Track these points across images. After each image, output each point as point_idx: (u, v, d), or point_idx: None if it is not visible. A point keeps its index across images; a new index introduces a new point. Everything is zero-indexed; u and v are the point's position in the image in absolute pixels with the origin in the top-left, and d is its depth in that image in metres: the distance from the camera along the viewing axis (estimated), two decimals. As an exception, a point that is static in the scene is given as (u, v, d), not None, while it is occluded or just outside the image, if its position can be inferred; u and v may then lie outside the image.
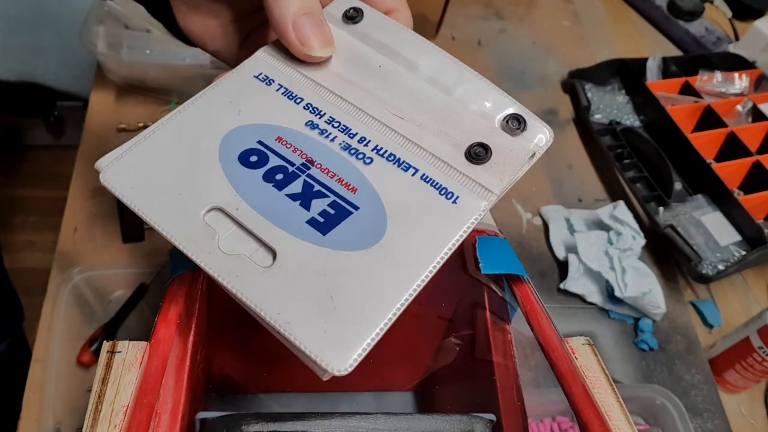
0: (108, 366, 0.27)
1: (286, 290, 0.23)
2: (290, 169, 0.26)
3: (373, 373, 0.45)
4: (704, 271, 0.61)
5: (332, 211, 0.25)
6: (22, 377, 0.50)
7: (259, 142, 0.26)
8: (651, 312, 0.60)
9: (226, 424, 0.29)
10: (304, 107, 0.28)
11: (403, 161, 0.26)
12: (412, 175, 0.26)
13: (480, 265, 0.34)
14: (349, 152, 0.26)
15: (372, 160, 0.26)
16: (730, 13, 0.96)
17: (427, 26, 0.81)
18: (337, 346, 0.21)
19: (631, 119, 0.77)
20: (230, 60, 0.34)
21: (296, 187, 0.25)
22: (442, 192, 0.26)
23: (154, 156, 0.26)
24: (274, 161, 0.26)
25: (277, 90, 0.28)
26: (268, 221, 0.24)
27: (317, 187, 0.25)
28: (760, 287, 0.68)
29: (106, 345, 0.28)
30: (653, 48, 0.91)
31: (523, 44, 0.88)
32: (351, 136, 0.27)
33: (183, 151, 0.26)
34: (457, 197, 0.25)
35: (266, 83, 0.28)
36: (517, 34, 0.89)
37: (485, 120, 0.27)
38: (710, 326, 0.63)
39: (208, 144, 0.26)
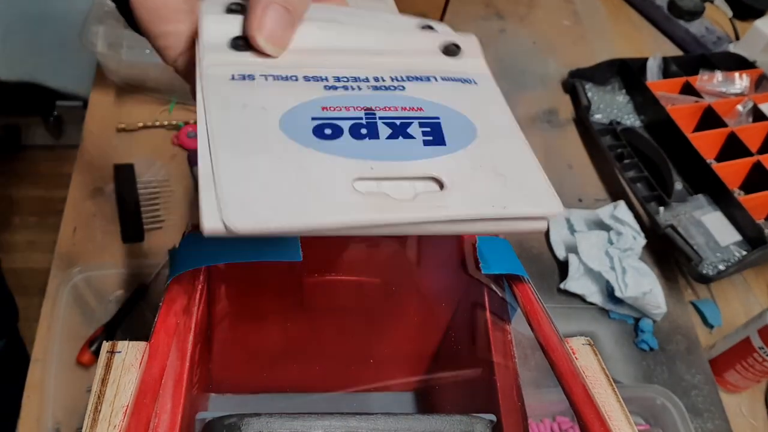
0: (108, 366, 0.27)
1: (478, 191, 0.25)
2: (364, 121, 0.26)
3: (373, 373, 0.44)
4: (705, 271, 0.61)
5: (428, 129, 0.26)
6: (19, 376, 0.50)
7: (314, 119, 0.26)
8: (651, 312, 0.60)
9: (226, 424, 0.29)
10: (305, 80, 0.28)
11: (419, 77, 0.29)
12: (436, 80, 0.29)
13: (480, 265, 0.34)
14: (381, 89, 0.28)
15: (402, 87, 0.28)
16: (730, 13, 0.96)
17: (428, 26, 0.81)
18: (546, 197, 0.25)
19: (631, 119, 0.77)
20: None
21: (384, 130, 0.26)
22: (464, 81, 0.29)
23: (247, 178, 0.24)
24: (345, 124, 0.26)
25: (266, 80, 0.28)
26: (405, 161, 0.25)
27: (398, 122, 0.27)
28: (761, 287, 0.68)
29: (106, 345, 0.28)
30: (653, 48, 0.91)
31: (523, 44, 0.88)
32: (366, 80, 0.28)
33: (267, 163, 0.24)
34: (472, 79, 0.30)
35: (249, 79, 0.28)
36: (517, 33, 0.89)
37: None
38: (711, 326, 0.63)
39: (279, 144, 0.25)
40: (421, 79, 0.29)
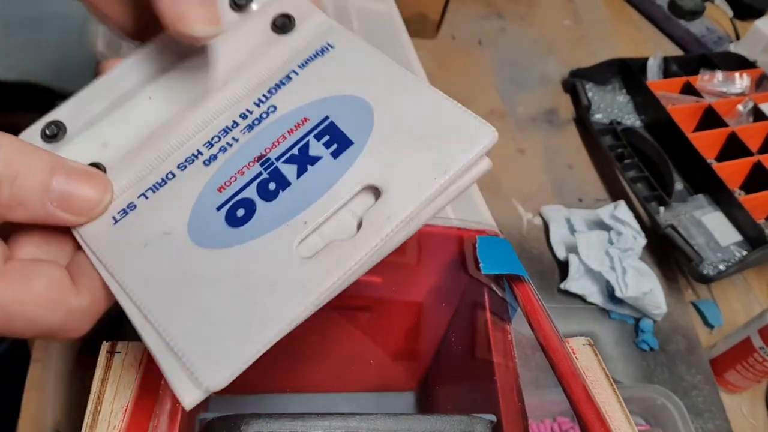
0: (107, 366, 0.27)
1: (411, 173, 0.23)
2: (265, 174, 0.24)
3: (373, 373, 0.44)
4: (705, 271, 0.61)
5: (327, 137, 0.24)
6: (21, 377, 0.50)
7: (219, 208, 0.23)
8: (652, 312, 0.60)
9: (226, 424, 0.29)
10: (181, 169, 0.25)
11: (278, 83, 0.26)
12: (296, 74, 0.26)
13: (480, 265, 0.34)
14: (256, 124, 0.25)
15: (272, 107, 0.25)
16: (731, 13, 0.96)
17: (428, 25, 0.81)
18: (473, 129, 0.23)
19: (631, 119, 0.77)
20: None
21: (290, 170, 0.23)
22: (320, 52, 0.26)
23: (197, 323, 0.22)
24: (251, 191, 0.23)
25: (147, 198, 0.24)
26: (329, 190, 0.23)
27: (296, 150, 0.24)
28: (761, 287, 0.68)
29: (106, 345, 0.28)
30: (654, 47, 0.91)
31: (523, 44, 0.88)
32: (234, 125, 0.25)
33: (206, 293, 0.22)
34: (326, 45, 0.26)
35: (132, 209, 0.24)
36: (517, 33, 0.89)
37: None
38: (711, 326, 0.63)
39: (204, 263, 0.22)
40: (282, 84, 0.26)
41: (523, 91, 0.80)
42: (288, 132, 0.24)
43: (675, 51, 0.92)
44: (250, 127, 0.25)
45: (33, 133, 0.26)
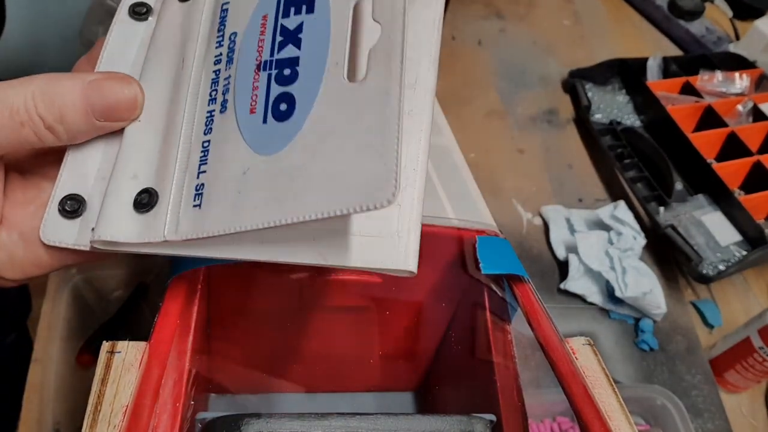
0: (107, 366, 0.27)
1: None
2: (274, 72, 0.25)
3: (373, 373, 0.44)
4: (705, 271, 0.61)
5: (293, 7, 0.25)
6: (25, 372, 0.50)
7: (263, 122, 0.25)
8: (651, 312, 0.60)
9: (226, 424, 0.29)
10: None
11: (219, 20, 0.27)
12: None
13: (480, 265, 0.34)
14: (232, 59, 0.26)
15: (234, 34, 0.27)
16: (730, 13, 0.96)
17: (428, 26, 0.81)
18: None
19: (631, 119, 0.77)
20: None
21: (290, 51, 0.25)
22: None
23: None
24: (274, 89, 0.24)
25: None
26: (337, 32, 0.24)
27: (277, 39, 0.25)
28: (761, 287, 0.68)
29: (106, 345, 0.28)
30: (654, 48, 0.91)
31: (523, 44, 0.88)
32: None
33: (305, 178, 0.23)
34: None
35: None
36: (517, 33, 0.89)
37: None
38: (711, 326, 0.63)
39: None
40: (225, 13, 0.28)
41: (523, 91, 0.81)
42: (260, 34, 0.26)
43: (675, 51, 0.92)
44: (230, 60, 0.26)
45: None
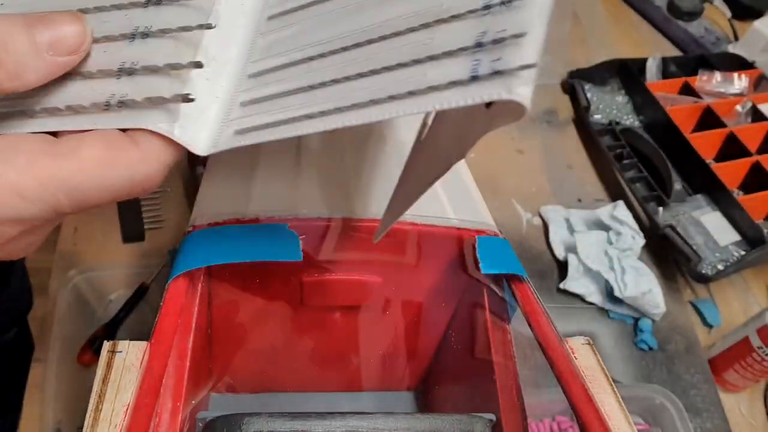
0: (109, 366, 0.27)
1: None
2: None
3: (373, 372, 0.45)
4: (704, 271, 0.62)
5: None
6: (25, 368, 0.50)
7: None
8: (650, 312, 0.60)
9: (226, 424, 0.29)
10: None
11: None
12: None
13: (480, 265, 0.34)
14: None
15: None
16: (729, 14, 0.96)
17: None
18: None
19: (630, 119, 0.77)
20: None
21: None
22: None
23: None
24: None
25: None
26: None
27: None
28: (760, 287, 0.68)
29: (107, 345, 0.28)
30: (653, 48, 0.91)
31: (522, 44, 0.88)
32: None
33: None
34: None
35: None
36: (516, 34, 0.89)
37: None
38: (710, 326, 0.63)
39: None
40: None
41: (523, 92, 0.80)
42: None
43: (674, 52, 0.92)
44: None
45: None
